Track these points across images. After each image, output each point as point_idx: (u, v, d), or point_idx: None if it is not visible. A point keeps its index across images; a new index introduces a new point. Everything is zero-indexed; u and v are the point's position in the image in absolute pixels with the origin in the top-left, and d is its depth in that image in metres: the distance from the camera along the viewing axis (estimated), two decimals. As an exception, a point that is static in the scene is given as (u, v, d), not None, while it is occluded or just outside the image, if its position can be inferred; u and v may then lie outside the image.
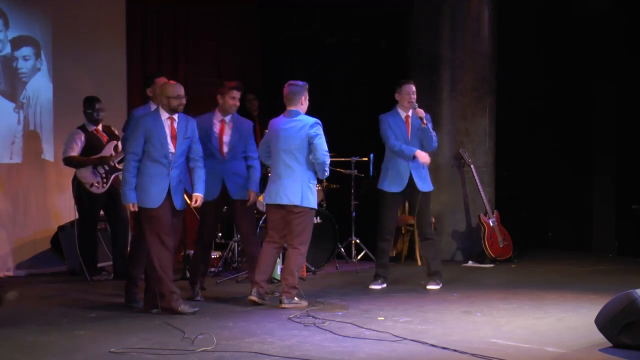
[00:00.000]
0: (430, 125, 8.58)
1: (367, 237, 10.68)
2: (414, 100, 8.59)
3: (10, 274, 9.84)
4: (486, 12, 11.09)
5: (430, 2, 11.11)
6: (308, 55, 12.23)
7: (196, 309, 7.31)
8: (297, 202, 7.64)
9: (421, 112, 8.52)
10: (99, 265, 9.68)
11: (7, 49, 10.02)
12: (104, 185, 9.41)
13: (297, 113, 7.77)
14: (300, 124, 7.70)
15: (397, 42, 11.72)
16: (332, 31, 12.18)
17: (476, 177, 10.78)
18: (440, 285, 8.67)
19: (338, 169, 10.39)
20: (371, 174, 10.72)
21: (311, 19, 12.20)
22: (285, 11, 12.30)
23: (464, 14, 11.02)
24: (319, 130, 7.69)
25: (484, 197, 10.77)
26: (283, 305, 7.56)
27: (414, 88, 8.65)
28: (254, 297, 7.69)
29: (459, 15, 11.01)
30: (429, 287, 8.64)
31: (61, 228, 9.83)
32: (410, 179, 8.55)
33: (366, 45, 12.19)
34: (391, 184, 8.61)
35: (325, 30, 12.18)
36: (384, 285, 8.73)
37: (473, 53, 11.04)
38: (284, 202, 7.67)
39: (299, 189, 7.63)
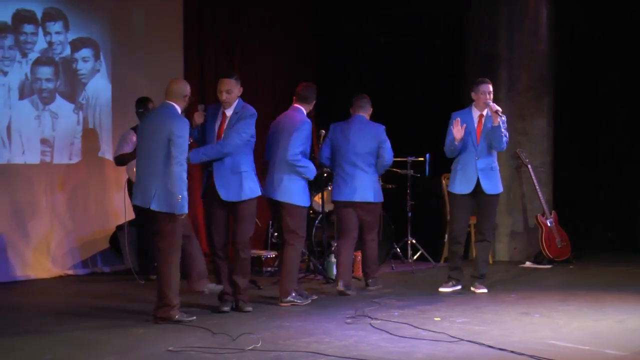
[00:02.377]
0: (503, 125, 8.31)
1: (423, 237, 10.66)
2: (490, 100, 8.38)
3: (71, 272, 9.98)
4: (544, 10, 10.99)
5: (487, 1, 11.04)
6: (363, 55, 12.23)
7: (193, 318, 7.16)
8: (371, 199, 8.48)
9: (495, 107, 8.29)
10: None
11: (67, 51, 10.17)
12: None
13: (364, 119, 8.62)
14: (370, 129, 8.53)
15: (452, 41, 11.66)
16: (387, 31, 12.16)
17: (534, 178, 10.69)
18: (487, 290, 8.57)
19: (394, 169, 10.37)
20: (427, 173, 10.68)
21: (365, 18, 12.19)
22: (340, 10, 12.31)
23: (522, 12, 10.93)
24: (386, 135, 8.54)
25: (541, 198, 10.67)
26: (370, 288, 8.63)
27: (490, 88, 8.43)
28: (341, 288, 8.31)
29: (516, 14, 10.93)
30: (478, 291, 8.47)
31: (119, 227, 9.93)
32: (478, 180, 8.44)
33: (421, 45, 12.15)
34: (459, 185, 8.47)
35: (379, 30, 12.17)
36: (456, 287, 8.55)
37: (531, 52, 10.94)
38: (356, 199, 8.42)
39: (371, 187, 8.47)
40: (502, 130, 8.29)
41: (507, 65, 10.97)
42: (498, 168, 8.55)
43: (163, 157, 6.89)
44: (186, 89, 7.19)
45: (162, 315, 7.00)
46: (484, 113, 8.45)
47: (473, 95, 8.50)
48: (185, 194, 6.85)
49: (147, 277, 9.37)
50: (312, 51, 12.45)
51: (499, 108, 8.32)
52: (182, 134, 6.91)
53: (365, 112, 8.63)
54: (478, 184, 8.41)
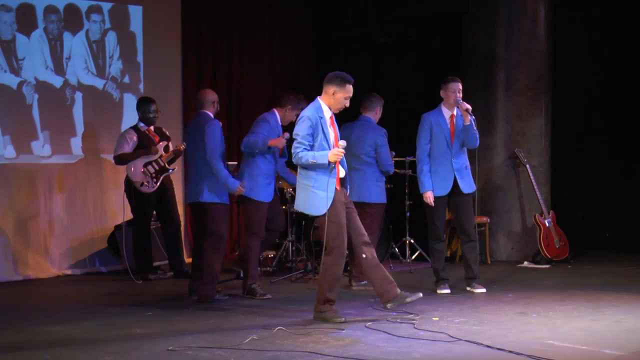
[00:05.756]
0: (473, 122, 8.30)
1: (422, 237, 10.65)
2: (460, 99, 8.35)
3: (69, 272, 9.99)
4: (542, 10, 11.00)
5: (485, 2, 11.04)
6: (362, 55, 12.23)
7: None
8: (366, 200, 8.63)
9: (465, 105, 8.25)
10: (155, 264, 9.78)
11: (66, 50, 10.17)
12: (154, 184, 9.49)
13: (369, 120, 8.85)
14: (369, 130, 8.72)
15: (451, 41, 11.67)
16: (386, 31, 12.16)
17: (532, 177, 10.69)
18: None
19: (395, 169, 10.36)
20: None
21: (365, 18, 12.20)
22: (340, 11, 12.32)
23: (520, 12, 10.93)
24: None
25: (539, 197, 10.67)
26: (353, 288, 8.68)
27: (460, 85, 8.40)
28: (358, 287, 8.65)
29: (514, 14, 10.93)
30: (477, 290, 8.45)
31: (117, 227, 9.94)
32: (455, 181, 8.43)
33: (420, 45, 12.16)
34: (436, 188, 8.41)
35: (379, 30, 12.17)
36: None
37: (529, 52, 10.95)
38: (354, 198, 7.97)
39: (366, 187, 8.66)
40: (474, 128, 8.29)
41: (505, 65, 10.97)
42: (470, 167, 8.57)
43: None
44: (213, 96, 8.22)
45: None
46: (454, 112, 8.43)
47: (442, 93, 8.44)
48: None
49: (145, 277, 9.39)
50: (311, 51, 12.46)
51: (468, 106, 8.27)
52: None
53: (368, 113, 8.90)
54: (455, 185, 8.39)
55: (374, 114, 8.93)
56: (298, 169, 7.05)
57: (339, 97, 6.98)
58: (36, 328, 6.92)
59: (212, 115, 8.20)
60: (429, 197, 8.39)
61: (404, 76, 12.18)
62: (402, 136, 10.58)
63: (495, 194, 10.99)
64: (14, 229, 9.68)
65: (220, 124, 8.07)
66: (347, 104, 7.08)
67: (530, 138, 11.02)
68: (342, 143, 6.93)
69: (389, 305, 7.16)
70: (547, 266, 10.43)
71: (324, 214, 6.91)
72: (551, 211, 10.77)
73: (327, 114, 7.01)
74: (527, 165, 10.76)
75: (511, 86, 10.97)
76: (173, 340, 6.26)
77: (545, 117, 11.10)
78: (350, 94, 7.03)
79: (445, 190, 8.40)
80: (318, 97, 7.06)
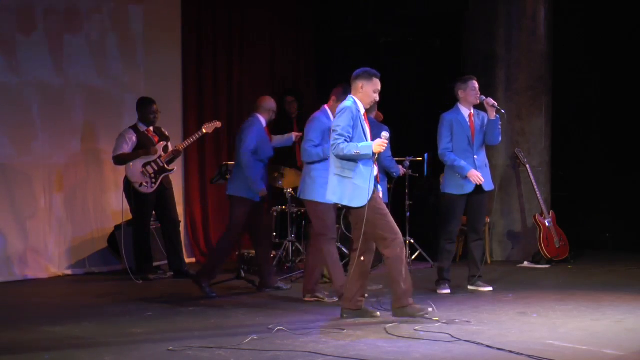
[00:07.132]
0: (500, 119, 8.35)
1: (422, 237, 10.66)
2: (482, 95, 8.40)
3: (69, 272, 9.99)
4: (542, 10, 11.00)
5: (485, 1, 11.04)
6: (362, 55, 12.22)
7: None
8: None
9: (491, 101, 8.31)
10: (155, 264, 9.78)
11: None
12: (153, 185, 9.49)
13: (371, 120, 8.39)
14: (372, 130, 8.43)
15: (451, 41, 11.68)
16: (386, 31, 12.16)
17: (532, 177, 10.69)
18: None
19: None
20: (425, 173, 10.67)
21: (365, 18, 12.20)
22: (340, 11, 12.32)
23: (520, 12, 10.93)
24: None
25: (539, 197, 10.67)
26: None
27: (477, 84, 8.48)
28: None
29: (514, 14, 10.93)
30: (484, 289, 8.50)
31: (117, 227, 9.94)
32: None
33: (421, 45, 12.15)
34: (459, 186, 8.40)
35: (379, 30, 12.17)
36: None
37: (529, 52, 10.95)
38: None
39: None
40: (499, 123, 8.33)
41: (505, 65, 10.97)
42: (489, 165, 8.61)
43: None
44: (269, 104, 8.52)
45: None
46: (472, 111, 8.47)
47: (461, 93, 8.45)
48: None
49: (145, 277, 9.39)
50: (311, 51, 12.45)
51: (494, 102, 8.34)
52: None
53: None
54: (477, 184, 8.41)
55: (374, 113, 8.92)
56: (333, 161, 6.98)
57: (367, 91, 7.01)
58: (36, 328, 6.91)
59: (261, 119, 8.44)
60: (475, 174, 8.31)
61: (404, 76, 12.17)
62: (403, 136, 10.61)
63: (495, 194, 10.98)
64: (13, 228, 9.67)
65: (263, 124, 8.44)
66: (377, 98, 7.10)
67: (530, 138, 11.02)
68: (386, 134, 6.97)
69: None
70: (547, 266, 10.43)
71: (364, 208, 6.87)
72: (551, 211, 10.77)
73: (362, 109, 7.04)
74: (527, 165, 10.76)
75: (511, 86, 10.97)
76: (173, 340, 6.26)
77: (545, 117, 11.10)
78: (379, 87, 7.05)
79: (469, 188, 8.39)
80: (350, 94, 7.09)
